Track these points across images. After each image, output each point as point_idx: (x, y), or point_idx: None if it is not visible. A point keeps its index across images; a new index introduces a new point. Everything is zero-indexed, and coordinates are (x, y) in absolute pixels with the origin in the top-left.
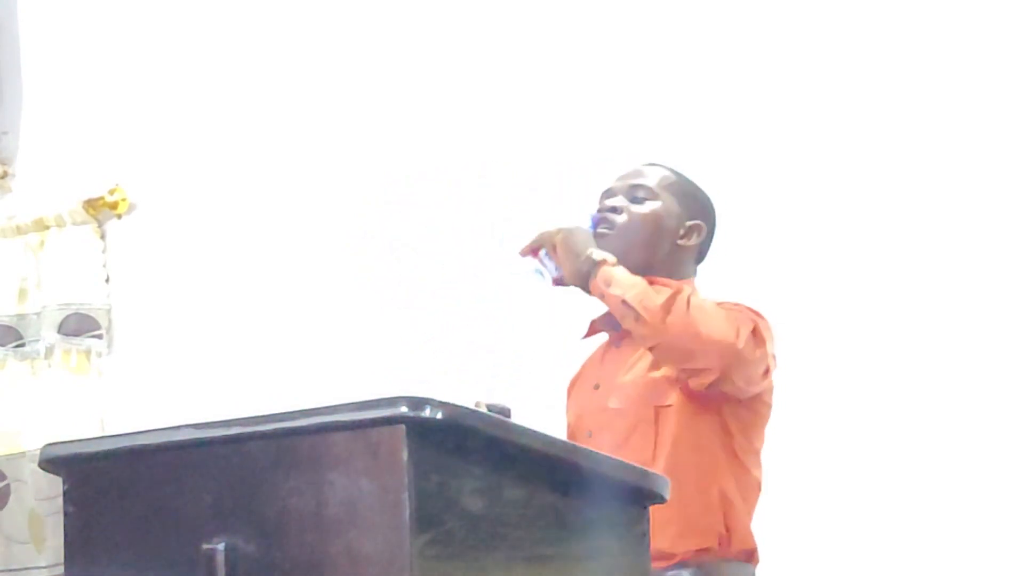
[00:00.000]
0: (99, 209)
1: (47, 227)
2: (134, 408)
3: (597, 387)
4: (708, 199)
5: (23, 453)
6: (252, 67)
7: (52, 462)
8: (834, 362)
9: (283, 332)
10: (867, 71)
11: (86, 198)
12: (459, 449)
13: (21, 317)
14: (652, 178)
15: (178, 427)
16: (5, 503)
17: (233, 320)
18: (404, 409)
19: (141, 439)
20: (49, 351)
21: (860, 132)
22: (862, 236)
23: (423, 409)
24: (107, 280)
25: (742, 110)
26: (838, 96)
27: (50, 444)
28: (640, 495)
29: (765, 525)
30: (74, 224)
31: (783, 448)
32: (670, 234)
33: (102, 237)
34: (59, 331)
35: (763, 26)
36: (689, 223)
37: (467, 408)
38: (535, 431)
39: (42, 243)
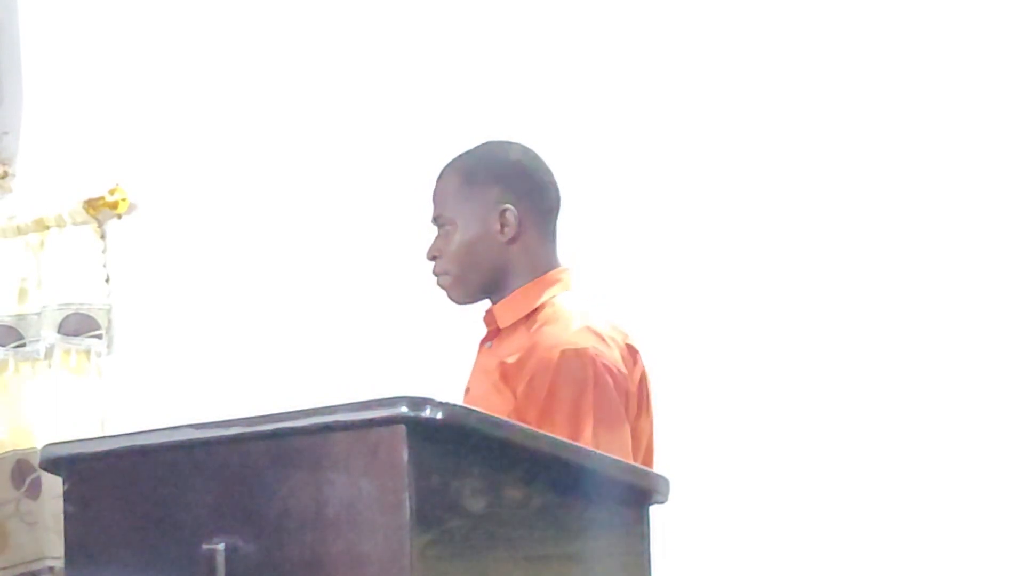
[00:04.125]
0: (99, 209)
1: (47, 227)
2: (134, 408)
3: (468, 391)
4: (498, 162)
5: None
6: (252, 67)
7: (52, 462)
8: (828, 361)
9: (283, 332)
10: (857, 68)
11: (86, 198)
12: (459, 449)
13: (21, 317)
14: (441, 196)
15: (178, 427)
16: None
17: (233, 320)
18: (404, 409)
19: (141, 439)
20: (49, 351)
21: (855, 135)
22: (847, 236)
23: (423, 409)
24: (107, 280)
25: (738, 111)
26: (828, 96)
27: (50, 444)
28: (640, 495)
29: (763, 523)
30: (74, 224)
31: (778, 448)
32: (490, 246)
33: (102, 237)
34: (59, 331)
35: (758, 25)
36: (495, 216)
37: (467, 408)
38: (535, 431)
39: (42, 243)
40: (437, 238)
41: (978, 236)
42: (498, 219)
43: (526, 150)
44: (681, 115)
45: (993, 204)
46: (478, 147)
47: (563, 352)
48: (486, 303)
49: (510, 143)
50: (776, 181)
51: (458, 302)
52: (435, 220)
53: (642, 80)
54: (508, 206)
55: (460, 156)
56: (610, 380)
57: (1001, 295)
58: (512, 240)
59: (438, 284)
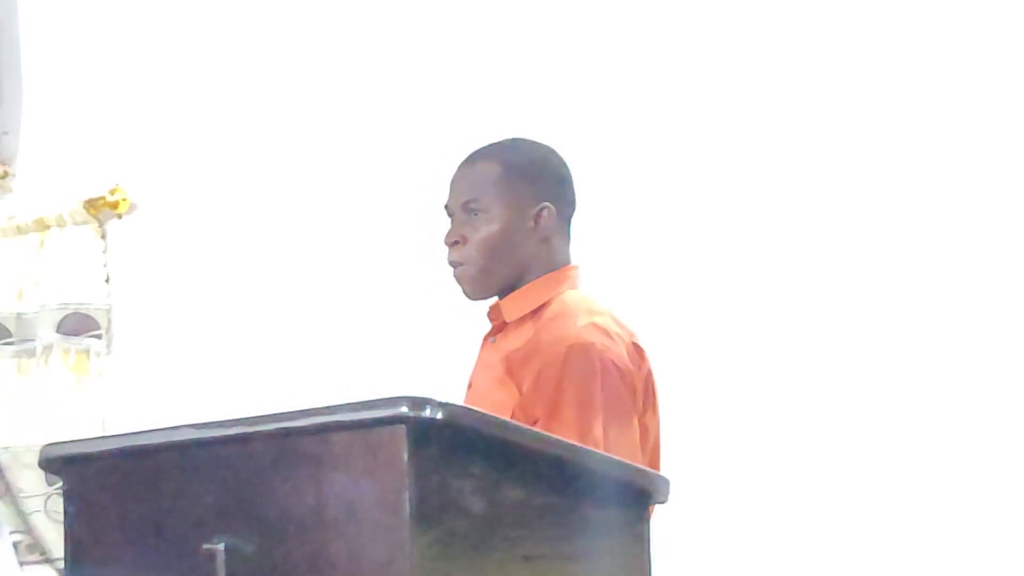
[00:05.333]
0: (99, 209)
1: (47, 227)
2: (134, 408)
3: (470, 386)
4: (541, 158)
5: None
6: (252, 67)
7: (52, 462)
8: (829, 362)
9: (283, 332)
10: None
11: (86, 198)
12: (459, 449)
13: (21, 316)
14: (477, 182)
15: (178, 427)
16: None
17: (233, 320)
18: (404, 409)
19: (141, 439)
20: (48, 350)
21: (851, 134)
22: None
23: (423, 409)
24: (107, 280)
25: (732, 113)
26: (821, 97)
27: (50, 444)
28: (640, 495)
29: (763, 523)
30: (74, 224)
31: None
32: (522, 241)
33: (102, 237)
34: (59, 331)
35: (762, 27)
36: (534, 211)
37: (467, 408)
38: (535, 431)
39: (42, 243)
40: (462, 224)
41: (978, 236)
42: (534, 215)
43: (553, 150)
44: (686, 116)
45: (993, 204)
46: (510, 141)
47: (570, 347)
48: (485, 302)
49: (537, 141)
50: (780, 183)
51: (472, 295)
52: (464, 205)
53: (648, 80)
54: (548, 204)
55: (495, 147)
56: (617, 375)
57: (1001, 295)
58: (544, 238)
59: (456, 273)
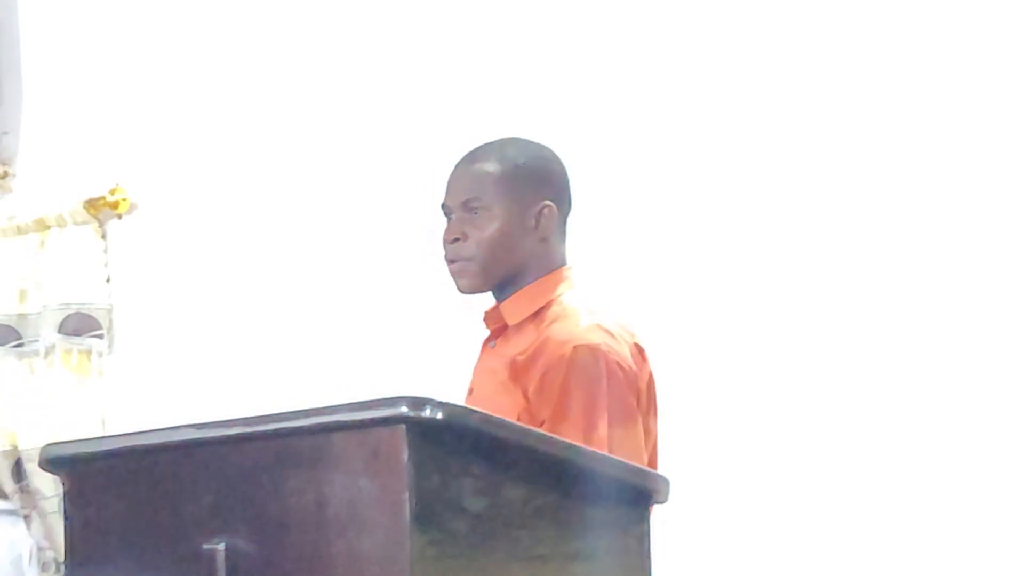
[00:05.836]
0: (100, 209)
1: (48, 227)
2: (134, 408)
3: (471, 392)
4: (542, 158)
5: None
6: (252, 67)
7: (52, 462)
8: (829, 362)
9: (284, 332)
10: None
11: (87, 198)
12: (459, 449)
13: (21, 317)
14: (477, 181)
15: (178, 427)
16: None
17: (234, 320)
18: (404, 409)
19: (141, 439)
20: (50, 351)
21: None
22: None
23: (423, 409)
24: (108, 280)
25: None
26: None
27: (50, 444)
28: (640, 495)
29: (763, 523)
30: (75, 224)
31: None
32: (523, 239)
33: (103, 237)
34: (60, 331)
35: (761, 26)
36: (535, 210)
37: (467, 408)
38: (535, 431)
39: (43, 243)
40: (462, 221)
41: (978, 236)
42: (535, 214)
43: (550, 149)
44: (685, 116)
45: (993, 204)
46: (508, 140)
47: (576, 348)
48: (485, 303)
49: (534, 141)
50: (778, 183)
51: (468, 290)
52: (465, 204)
53: (647, 79)
54: (549, 203)
55: (494, 146)
56: (622, 376)
57: (1001, 295)
58: (543, 238)
59: (454, 269)
